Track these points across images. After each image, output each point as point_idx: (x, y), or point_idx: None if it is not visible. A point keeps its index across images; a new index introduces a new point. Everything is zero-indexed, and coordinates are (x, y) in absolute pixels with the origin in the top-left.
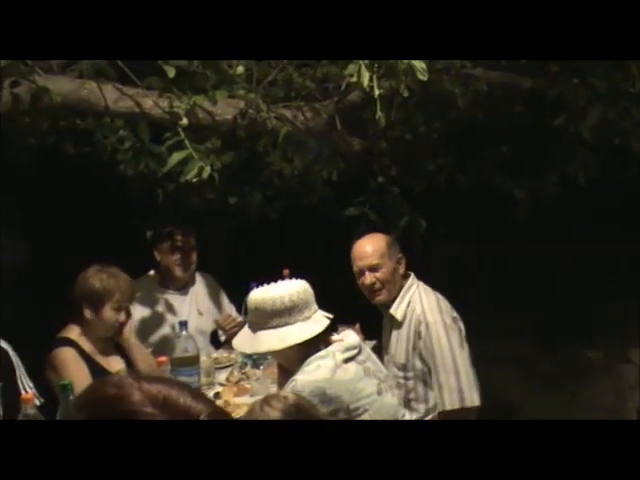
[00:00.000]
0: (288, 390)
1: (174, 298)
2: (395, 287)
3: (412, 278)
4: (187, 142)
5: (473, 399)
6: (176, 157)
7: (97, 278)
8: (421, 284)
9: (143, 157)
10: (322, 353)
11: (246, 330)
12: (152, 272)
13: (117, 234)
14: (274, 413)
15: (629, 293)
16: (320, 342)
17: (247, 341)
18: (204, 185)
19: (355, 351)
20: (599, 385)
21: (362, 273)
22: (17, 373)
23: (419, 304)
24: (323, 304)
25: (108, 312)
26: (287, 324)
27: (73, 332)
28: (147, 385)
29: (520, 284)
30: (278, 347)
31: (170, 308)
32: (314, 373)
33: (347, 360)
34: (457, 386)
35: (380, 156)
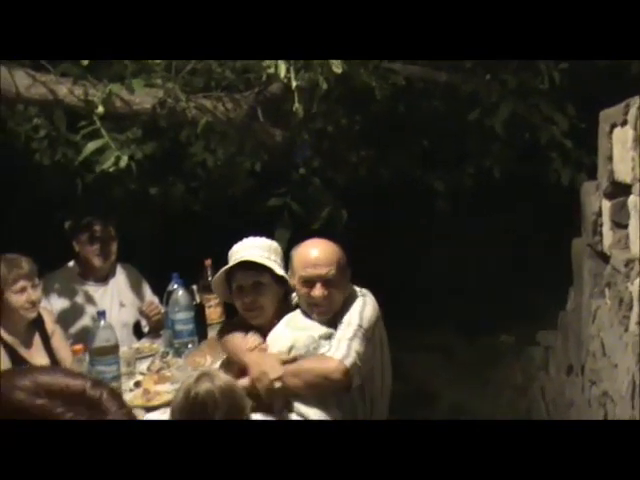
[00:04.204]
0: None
1: (94, 289)
2: (339, 304)
3: (353, 291)
4: (103, 131)
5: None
6: (92, 146)
7: None
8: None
9: (60, 146)
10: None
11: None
12: (71, 263)
13: (36, 225)
14: (206, 386)
15: (540, 281)
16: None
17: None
18: (125, 175)
19: None
20: (511, 367)
21: (311, 284)
22: None
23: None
24: None
25: (12, 297)
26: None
27: None
28: (19, 380)
29: (441, 274)
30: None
31: (90, 299)
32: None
33: None
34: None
35: (302, 147)
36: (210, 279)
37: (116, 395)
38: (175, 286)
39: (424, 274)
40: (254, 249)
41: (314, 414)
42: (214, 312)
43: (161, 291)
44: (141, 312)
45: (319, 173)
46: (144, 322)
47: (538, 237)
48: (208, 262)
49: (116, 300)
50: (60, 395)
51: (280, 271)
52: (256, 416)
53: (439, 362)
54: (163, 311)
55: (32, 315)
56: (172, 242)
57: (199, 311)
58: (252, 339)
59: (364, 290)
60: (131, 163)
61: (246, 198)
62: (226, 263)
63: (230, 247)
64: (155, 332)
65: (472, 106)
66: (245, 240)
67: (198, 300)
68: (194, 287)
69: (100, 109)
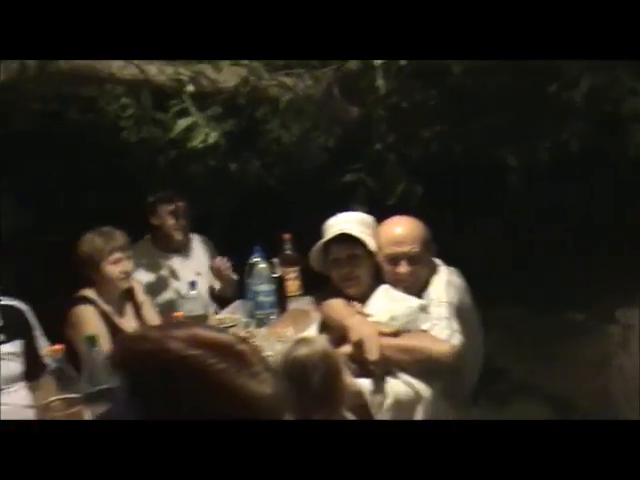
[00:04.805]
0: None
1: (173, 261)
2: (424, 280)
3: (439, 267)
4: (193, 109)
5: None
6: (182, 123)
7: (85, 242)
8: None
9: (145, 124)
10: None
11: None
12: (148, 236)
13: (119, 200)
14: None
15: (615, 257)
16: None
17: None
18: (206, 152)
19: None
20: (585, 344)
21: (396, 261)
22: (33, 333)
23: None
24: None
25: (107, 268)
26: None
27: (89, 293)
28: (176, 331)
29: (509, 250)
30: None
31: (171, 271)
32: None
33: None
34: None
35: (378, 123)
36: (289, 252)
37: (258, 351)
38: (257, 258)
39: (495, 249)
40: (349, 223)
41: (418, 383)
42: (293, 285)
43: (240, 263)
44: (214, 264)
45: (394, 149)
46: (216, 285)
47: (613, 212)
48: (287, 236)
49: (194, 270)
50: (213, 347)
51: (373, 245)
52: (359, 380)
53: (506, 338)
54: (234, 273)
55: (125, 285)
56: (249, 216)
57: (279, 283)
58: (355, 304)
59: (451, 268)
60: (219, 140)
61: (321, 174)
62: (304, 236)
63: (306, 221)
64: (225, 292)
65: (550, 80)
66: (340, 214)
67: (278, 273)
68: (275, 260)
69: (190, 87)
